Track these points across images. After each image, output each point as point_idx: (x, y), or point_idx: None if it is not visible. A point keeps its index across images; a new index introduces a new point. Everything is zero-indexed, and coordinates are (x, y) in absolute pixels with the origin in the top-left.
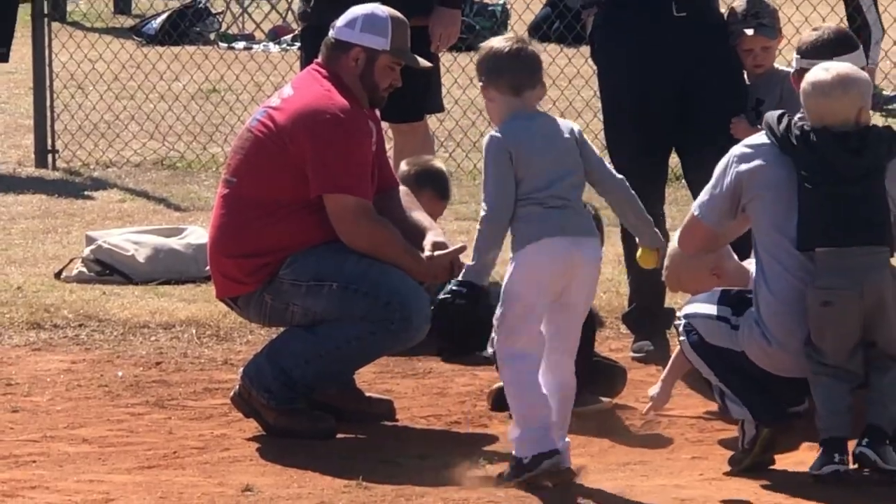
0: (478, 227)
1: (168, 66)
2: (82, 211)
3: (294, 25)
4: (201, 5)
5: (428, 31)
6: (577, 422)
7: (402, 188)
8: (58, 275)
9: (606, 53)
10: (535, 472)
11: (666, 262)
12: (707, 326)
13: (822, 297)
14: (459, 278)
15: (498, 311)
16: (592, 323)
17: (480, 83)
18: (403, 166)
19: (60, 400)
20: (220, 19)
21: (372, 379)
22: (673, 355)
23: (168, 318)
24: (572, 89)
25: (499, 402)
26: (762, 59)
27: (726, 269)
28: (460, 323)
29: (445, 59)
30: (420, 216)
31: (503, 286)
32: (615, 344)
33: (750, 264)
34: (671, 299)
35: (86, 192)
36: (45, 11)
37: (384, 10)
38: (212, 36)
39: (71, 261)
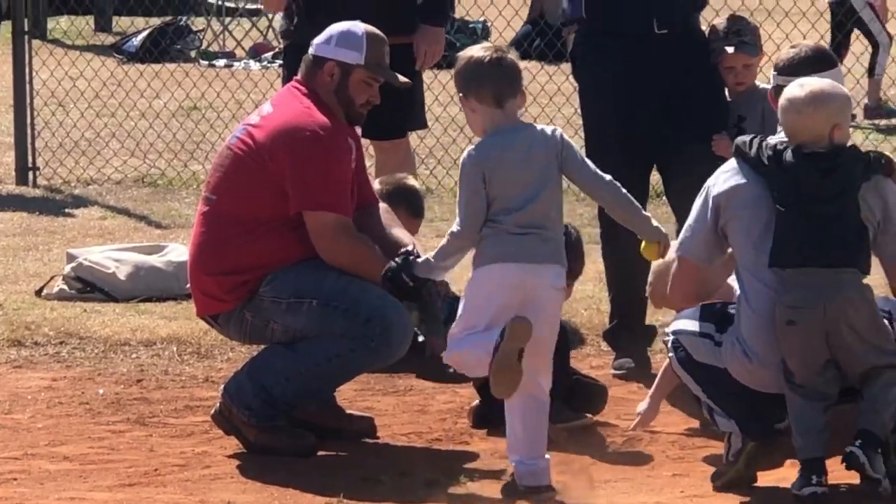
0: (446, 236)
1: (149, 83)
2: (63, 228)
3: (275, 43)
4: (182, 23)
5: (412, 49)
6: (557, 439)
7: (382, 205)
8: (38, 292)
9: (589, 73)
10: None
11: (650, 278)
12: (692, 343)
13: (787, 315)
14: (409, 269)
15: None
16: (566, 340)
17: (460, 95)
18: (377, 185)
19: (41, 417)
20: (201, 37)
21: (353, 396)
22: (661, 371)
23: (149, 336)
24: (553, 106)
25: (480, 419)
26: (744, 77)
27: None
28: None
29: (427, 76)
30: (400, 233)
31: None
32: (596, 361)
33: (734, 279)
34: (652, 316)
35: (67, 210)
36: (26, 29)
37: (361, 27)
38: (193, 53)
39: (52, 278)
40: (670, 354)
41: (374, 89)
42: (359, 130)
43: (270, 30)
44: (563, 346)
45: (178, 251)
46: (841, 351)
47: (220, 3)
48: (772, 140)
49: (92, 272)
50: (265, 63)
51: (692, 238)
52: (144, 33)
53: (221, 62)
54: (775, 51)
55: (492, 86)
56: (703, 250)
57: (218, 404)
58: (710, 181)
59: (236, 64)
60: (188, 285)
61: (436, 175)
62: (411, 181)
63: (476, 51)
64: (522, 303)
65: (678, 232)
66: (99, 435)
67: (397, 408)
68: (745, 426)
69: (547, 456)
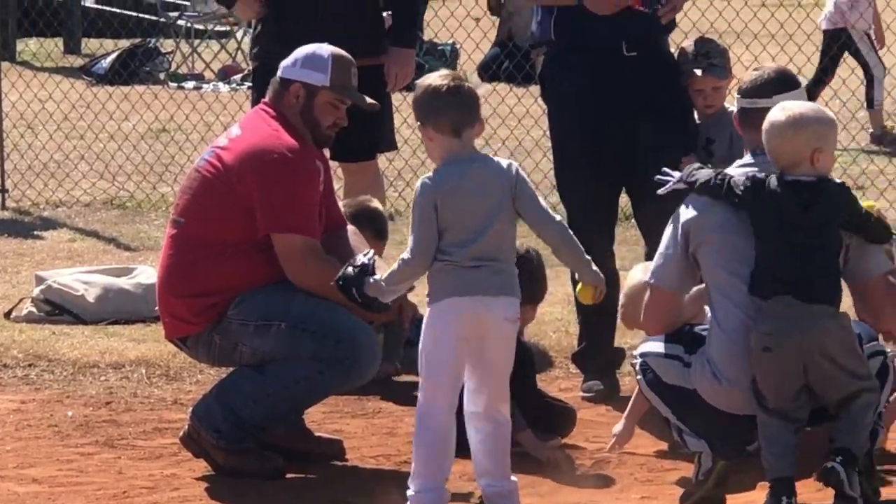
0: (398, 261)
1: (118, 105)
2: (32, 250)
3: (244, 65)
4: (151, 45)
5: (382, 70)
6: (525, 461)
7: (350, 227)
8: (7, 314)
9: (557, 92)
10: None
11: (622, 300)
12: (660, 365)
13: (763, 342)
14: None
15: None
16: (530, 364)
17: (419, 123)
18: (341, 207)
19: (10, 440)
20: (170, 59)
21: (321, 419)
22: (634, 392)
23: (118, 358)
24: (521, 129)
25: None
26: (713, 100)
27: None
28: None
29: (396, 98)
30: None
31: None
32: (565, 384)
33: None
34: (621, 338)
35: (35, 232)
36: None
37: (327, 49)
38: (161, 76)
39: (20, 300)
40: (638, 377)
41: (341, 111)
42: (327, 153)
43: (239, 52)
44: (529, 369)
45: (147, 273)
46: (818, 379)
47: (188, 25)
48: (733, 171)
49: (61, 294)
50: (234, 85)
51: (664, 266)
52: (113, 55)
53: (190, 84)
54: (744, 73)
55: (449, 115)
56: (675, 279)
57: (186, 427)
58: (680, 208)
59: (205, 86)
60: (157, 308)
61: (404, 197)
62: (374, 203)
63: (434, 79)
64: (480, 336)
65: (647, 256)
66: (68, 457)
67: (366, 430)
68: (715, 446)
69: (514, 478)
